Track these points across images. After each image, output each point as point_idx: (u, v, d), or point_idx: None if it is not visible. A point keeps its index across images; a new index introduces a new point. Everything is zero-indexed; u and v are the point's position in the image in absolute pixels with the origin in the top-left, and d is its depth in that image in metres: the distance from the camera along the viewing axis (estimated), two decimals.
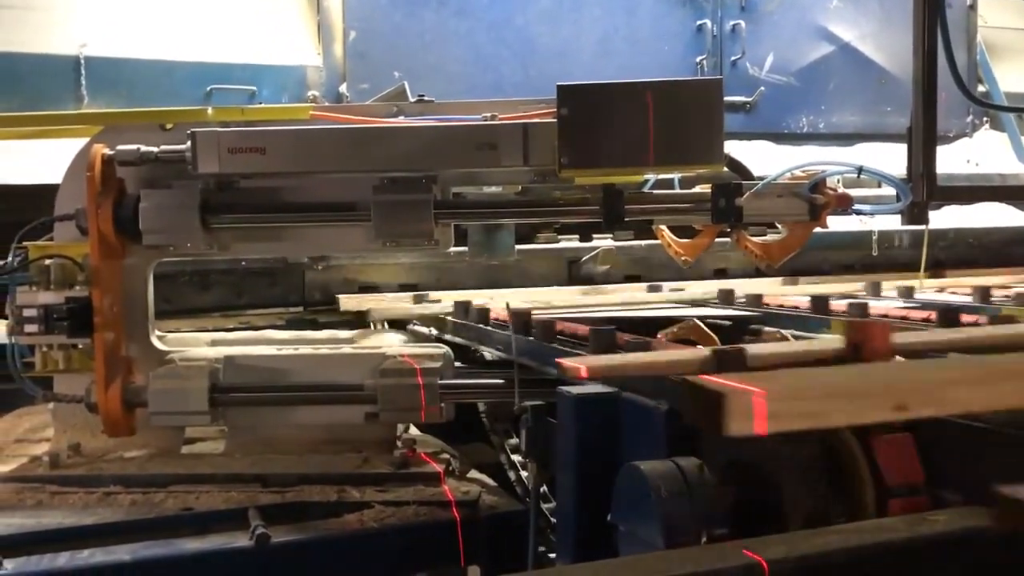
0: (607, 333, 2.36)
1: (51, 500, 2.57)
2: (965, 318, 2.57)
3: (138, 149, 2.67)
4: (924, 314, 2.73)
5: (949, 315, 2.60)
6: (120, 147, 2.67)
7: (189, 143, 2.60)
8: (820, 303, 3.02)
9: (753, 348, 1.91)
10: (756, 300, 3.39)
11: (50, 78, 4.33)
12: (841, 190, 2.68)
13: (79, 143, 2.86)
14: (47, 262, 2.73)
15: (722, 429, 1.31)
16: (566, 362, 1.94)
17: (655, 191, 2.85)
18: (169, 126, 2.83)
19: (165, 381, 2.68)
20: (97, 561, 2.25)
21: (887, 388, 1.43)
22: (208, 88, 4.58)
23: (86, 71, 4.37)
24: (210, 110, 2.91)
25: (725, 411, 1.32)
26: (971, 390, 1.45)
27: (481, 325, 3.11)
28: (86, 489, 2.61)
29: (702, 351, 1.92)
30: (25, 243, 2.77)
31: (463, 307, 3.31)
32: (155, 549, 2.32)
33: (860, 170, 2.59)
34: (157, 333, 2.95)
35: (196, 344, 3.03)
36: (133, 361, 2.79)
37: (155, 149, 2.67)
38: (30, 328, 2.66)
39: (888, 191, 4.53)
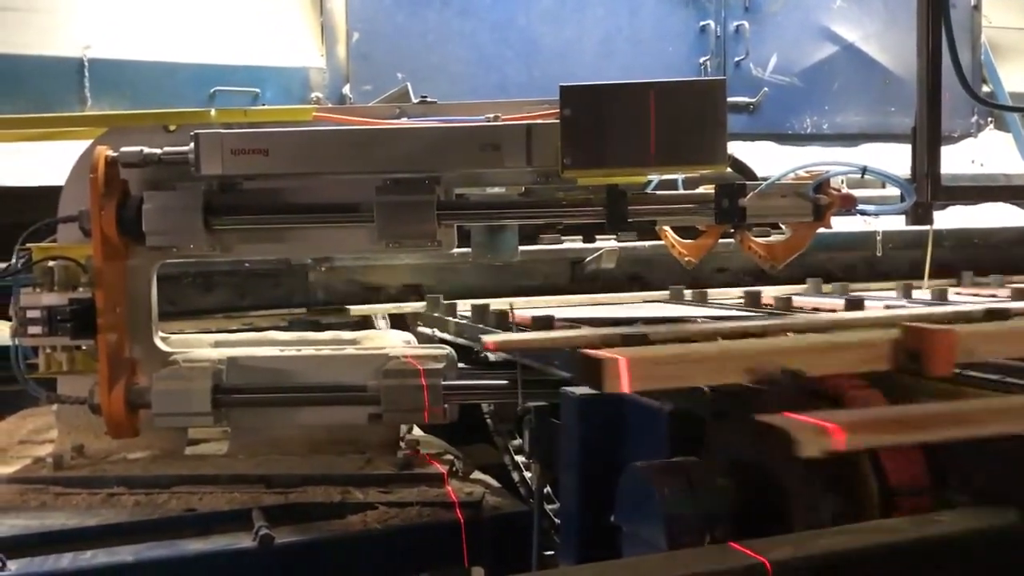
0: (546, 318, 2.65)
1: (55, 501, 2.58)
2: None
3: (141, 151, 2.67)
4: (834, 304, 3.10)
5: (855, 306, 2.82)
6: (124, 149, 2.67)
7: (192, 145, 2.60)
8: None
9: (658, 328, 2.16)
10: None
11: (54, 80, 4.32)
12: (845, 190, 2.67)
13: (83, 145, 2.86)
14: (51, 264, 2.73)
15: (601, 388, 1.68)
16: (486, 339, 2.21)
17: (658, 192, 2.84)
18: (172, 128, 2.84)
19: (168, 382, 2.68)
20: (100, 562, 2.26)
21: (736, 355, 1.78)
22: (212, 90, 4.57)
23: (90, 73, 4.37)
24: (213, 112, 2.92)
25: (602, 374, 1.66)
26: (806, 357, 1.77)
27: (481, 326, 3.10)
28: (90, 490, 2.62)
29: (609, 331, 2.11)
30: (29, 245, 2.77)
31: (480, 311, 3.29)
32: (158, 550, 2.33)
33: (864, 170, 2.58)
34: (161, 334, 2.95)
35: (200, 345, 3.03)
36: (137, 362, 2.79)
37: (158, 151, 2.67)
38: (34, 330, 2.67)
39: (892, 191, 4.52)
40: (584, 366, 1.73)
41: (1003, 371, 1.87)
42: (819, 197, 2.63)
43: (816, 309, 3.10)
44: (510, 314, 2.79)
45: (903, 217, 4.57)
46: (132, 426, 2.69)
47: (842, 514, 1.67)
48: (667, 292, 3.97)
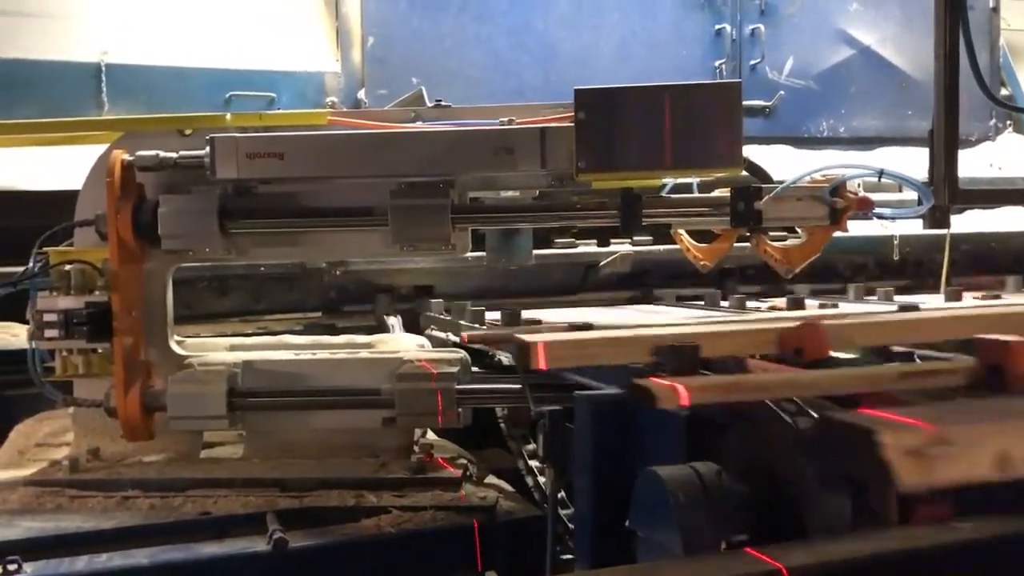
0: (512, 312, 2.81)
1: (70, 504, 2.58)
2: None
3: (157, 155, 2.68)
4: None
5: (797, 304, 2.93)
6: (139, 153, 2.68)
7: (208, 148, 2.61)
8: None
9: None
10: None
11: (71, 85, 4.36)
12: (862, 194, 2.65)
13: (99, 149, 2.88)
14: (67, 267, 2.74)
15: (528, 368, 2.07)
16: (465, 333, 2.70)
17: (673, 195, 2.83)
18: (188, 132, 2.84)
19: (183, 385, 2.69)
20: (116, 565, 2.26)
21: (642, 340, 2.07)
22: (227, 94, 4.60)
23: (107, 78, 4.41)
24: (229, 116, 2.92)
25: (528, 355, 2.04)
26: (711, 341, 2.05)
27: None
28: (105, 493, 2.62)
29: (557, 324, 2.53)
30: (46, 249, 2.79)
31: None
32: (173, 553, 2.33)
33: (881, 173, 2.56)
34: (176, 338, 2.96)
35: (215, 349, 3.04)
36: (152, 366, 2.80)
37: (174, 155, 2.69)
38: (50, 333, 2.68)
39: (909, 195, 4.49)
40: (519, 350, 2.13)
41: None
42: (835, 200, 2.61)
43: (773, 308, 3.08)
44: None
45: (920, 221, 4.55)
46: (147, 429, 2.70)
47: (860, 520, 1.66)
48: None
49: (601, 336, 2.29)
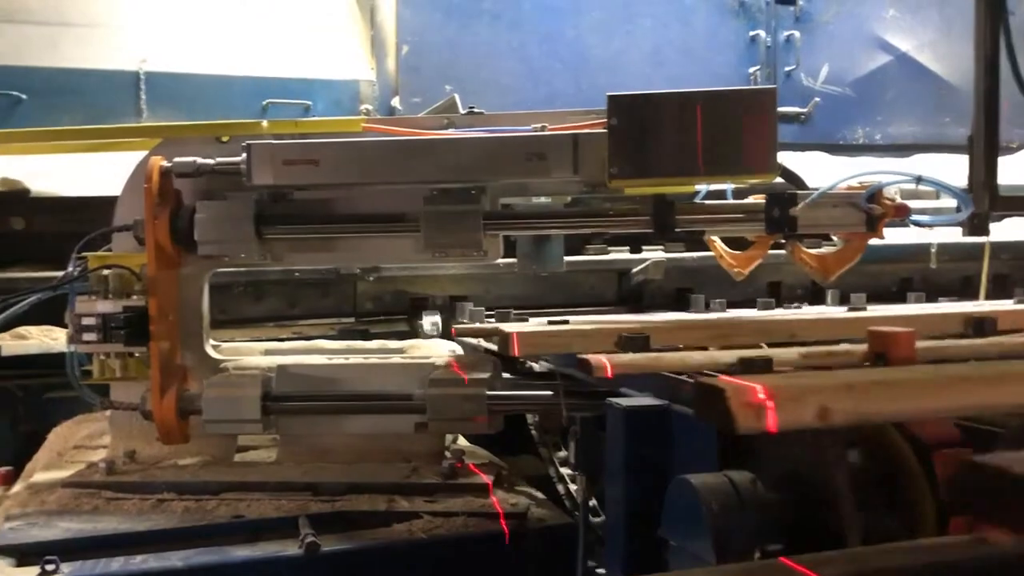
0: (505, 311, 3.03)
1: (107, 506, 2.61)
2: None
3: (195, 161, 2.71)
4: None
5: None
6: (177, 159, 2.72)
7: (244, 155, 2.63)
8: None
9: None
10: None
11: (112, 93, 4.43)
12: (899, 200, 2.61)
13: (138, 156, 2.92)
14: (105, 272, 2.78)
15: (506, 353, 2.66)
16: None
17: (707, 202, 2.81)
18: (225, 139, 2.88)
19: (218, 389, 2.71)
20: (150, 567, 2.28)
21: (606, 332, 2.53)
22: (264, 102, 4.65)
23: (146, 86, 4.48)
24: (265, 123, 2.95)
25: (506, 344, 2.62)
26: (666, 334, 2.58)
27: None
28: (140, 495, 2.65)
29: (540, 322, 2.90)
30: (84, 253, 2.83)
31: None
32: (207, 556, 2.34)
33: (919, 179, 2.53)
34: (212, 342, 2.99)
35: (250, 353, 3.06)
36: (188, 369, 2.83)
37: (211, 161, 2.72)
38: (88, 336, 2.72)
39: (947, 202, 4.43)
40: (500, 341, 2.53)
41: None
42: (872, 207, 2.58)
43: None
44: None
45: (959, 229, 4.49)
46: (183, 432, 2.72)
47: (897, 531, 1.63)
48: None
49: (571, 329, 2.72)
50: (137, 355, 2.79)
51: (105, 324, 2.70)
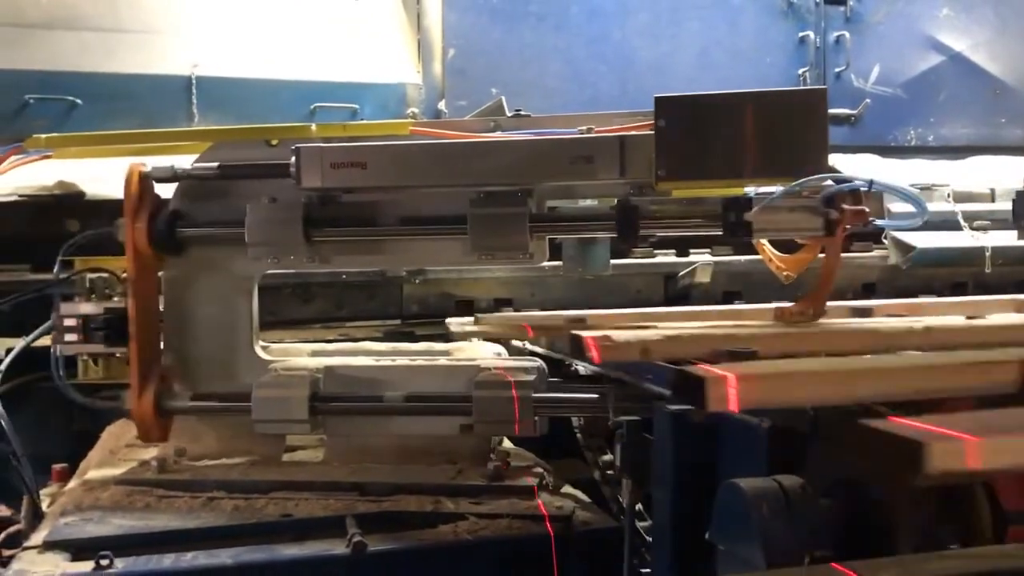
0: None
1: (158, 503, 2.66)
2: None
3: (172, 167, 2.79)
4: None
5: None
6: (155, 165, 2.80)
7: (294, 158, 2.66)
8: None
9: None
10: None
11: (164, 98, 4.51)
12: (857, 206, 2.52)
13: (190, 159, 2.96)
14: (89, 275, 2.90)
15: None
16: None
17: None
18: (275, 142, 2.91)
19: (267, 390, 2.75)
20: (200, 564, 2.32)
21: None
22: (312, 106, 4.69)
23: (197, 90, 4.54)
24: (314, 126, 2.99)
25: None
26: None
27: None
28: (191, 493, 2.69)
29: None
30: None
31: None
32: (255, 554, 2.37)
33: (871, 184, 2.45)
34: (261, 343, 3.03)
35: (298, 354, 3.10)
36: (170, 369, 2.87)
37: (188, 166, 2.80)
38: (70, 337, 2.81)
39: (1001, 207, 4.34)
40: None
41: None
42: (829, 211, 2.51)
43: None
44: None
45: (1015, 232, 4.40)
46: (162, 431, 2.80)
47: (951, 538, 1.60)
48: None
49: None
50: (119, 355, 2.84)
51: (86, 325, 2.76)
